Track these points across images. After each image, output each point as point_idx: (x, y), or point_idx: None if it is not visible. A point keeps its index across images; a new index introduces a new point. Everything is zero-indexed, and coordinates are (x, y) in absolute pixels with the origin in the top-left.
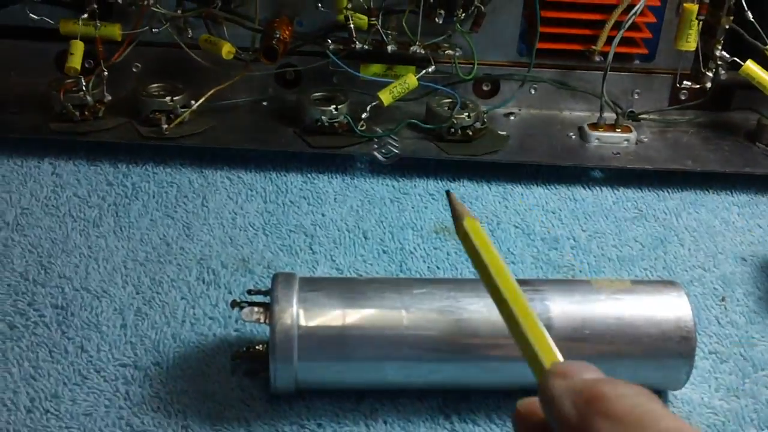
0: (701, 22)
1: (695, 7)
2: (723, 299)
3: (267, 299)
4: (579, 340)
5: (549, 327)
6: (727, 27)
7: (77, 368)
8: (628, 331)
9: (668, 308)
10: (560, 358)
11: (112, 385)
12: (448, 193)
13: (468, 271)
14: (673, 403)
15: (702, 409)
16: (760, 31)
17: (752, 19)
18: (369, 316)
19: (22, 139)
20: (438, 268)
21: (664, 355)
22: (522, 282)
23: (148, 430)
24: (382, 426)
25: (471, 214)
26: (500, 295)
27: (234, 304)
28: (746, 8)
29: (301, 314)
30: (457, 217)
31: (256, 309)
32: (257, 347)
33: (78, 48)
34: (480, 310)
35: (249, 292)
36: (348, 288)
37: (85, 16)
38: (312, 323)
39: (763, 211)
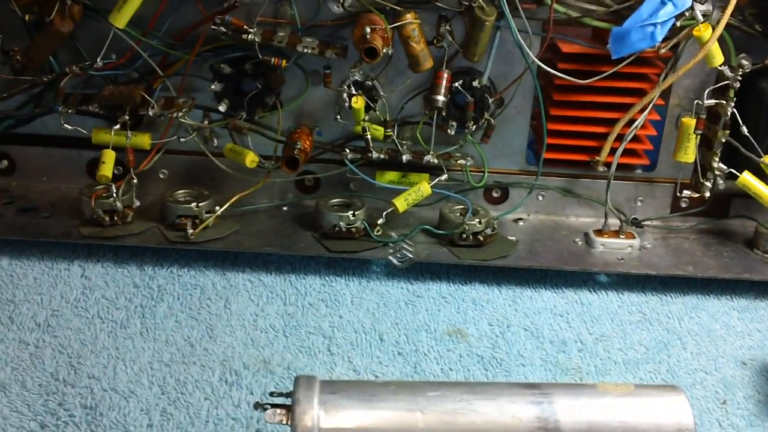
0: (699, 136)
1: (693, 122)
2: (724, 402)
3: (289, 401)
4: None
5: (557, 430)
6: (723, 140)
7: None
8: None
9: (670, 413)
10: None
11: None
12: None
13: (480, 373)
14: None
15: None
16: (755, 144)
17: (747, 134)
18: (385, 418)
19: (53, 243)
20: (451, 369)
21: None
22: (531, 386)
23: None
24: None
25: None
26: None
27: (257, 405)
28: (741, 123)
29: (321, 416)
30: None
31: (278, 411)
32: None
33: (110, 157)
34: (491, 412)
35: (272, 394)
36: (365, 391)
37: (118, 126)
38: (332, 425)
39: (762, 315)
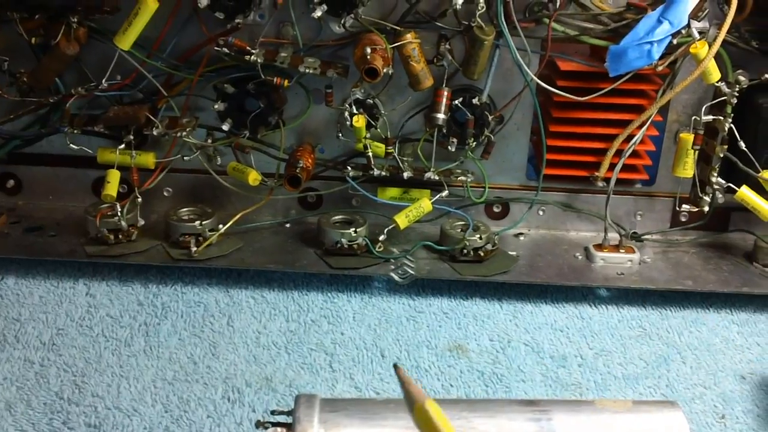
0: (697, 151)
1: (691, 137)
2: (723, 417)
3: (290, 419)
4: None
5: None
6: (721, 155)
7: None
8: None
9: (667, 429)
10: None
11: None
12: (396, 369)
13: (480, 389)
14: None
15: None
16: (752, 159)
17: (744, 149)
18: None
19: (59, 261)
20: (451, 385)
21: None
22: (530, 402)
23: None
24: None
25: (426, 398)
26: None
27: (259, 424)
28: (739, 138)
29: None
30: (412, 402)
31: (279, 429)
32: None
33: (114, 177)
34: (490, 430)
35: (273, 412)
36: (366, 409)
37: (122, 146)
38: None
39: (761, 329)
